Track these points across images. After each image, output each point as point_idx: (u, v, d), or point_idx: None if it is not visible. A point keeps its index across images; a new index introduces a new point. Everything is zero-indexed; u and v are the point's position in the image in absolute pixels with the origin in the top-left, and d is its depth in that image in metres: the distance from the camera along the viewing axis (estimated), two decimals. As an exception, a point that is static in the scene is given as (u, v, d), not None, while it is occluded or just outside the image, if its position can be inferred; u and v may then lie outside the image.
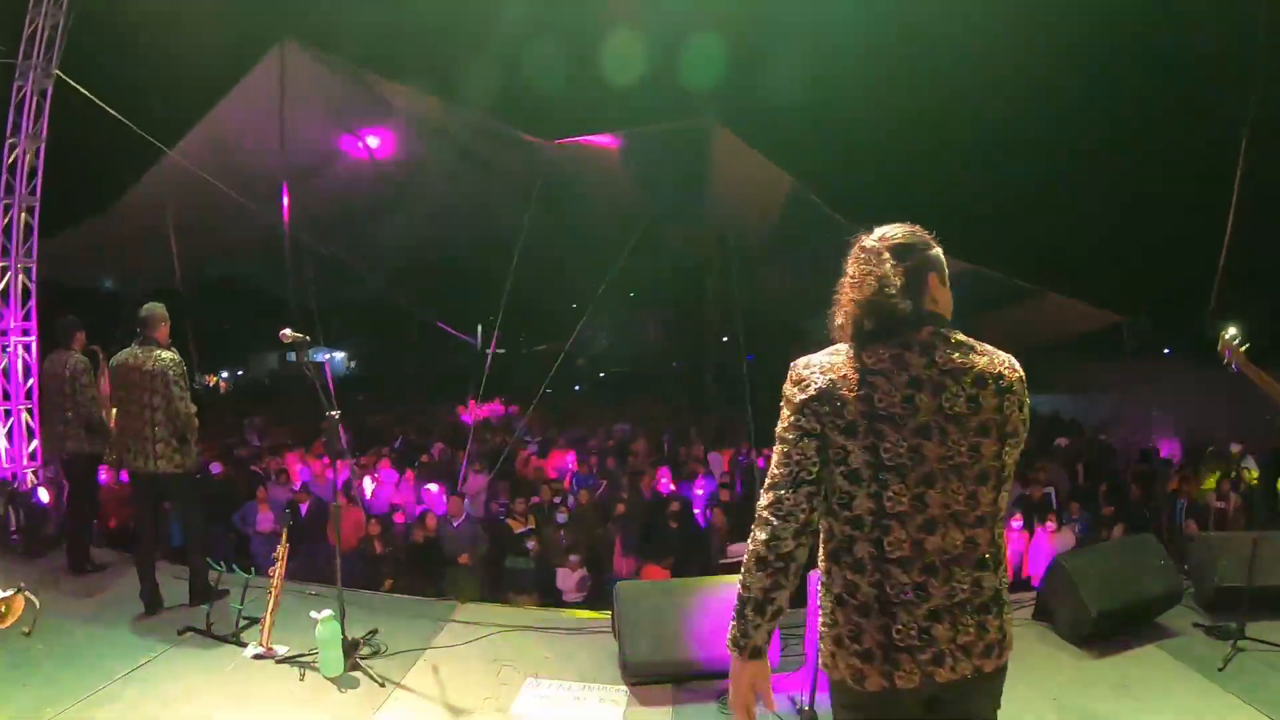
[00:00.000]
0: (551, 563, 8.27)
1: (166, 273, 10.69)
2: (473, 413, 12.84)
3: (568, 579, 8.11)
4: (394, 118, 9.83)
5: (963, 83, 11.64)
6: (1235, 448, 9.88)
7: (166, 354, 5.13)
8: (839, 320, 1.98)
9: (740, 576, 1.86)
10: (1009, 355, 1.94)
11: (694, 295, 17.90)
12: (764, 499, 1.83)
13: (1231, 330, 4.22)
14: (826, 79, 11.48)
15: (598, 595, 8.20)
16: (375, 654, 4.58)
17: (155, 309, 5.22)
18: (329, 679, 4.27)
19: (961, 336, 1.93)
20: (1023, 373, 1.92)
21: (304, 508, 8.47)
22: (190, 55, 8.32)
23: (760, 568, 1.80)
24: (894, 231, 2.02)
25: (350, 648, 4.39)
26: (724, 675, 3.90)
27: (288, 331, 4.23)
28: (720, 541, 8.90)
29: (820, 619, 1.95)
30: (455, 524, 8.30)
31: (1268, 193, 8.08)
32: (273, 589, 4.59)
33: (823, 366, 1.89)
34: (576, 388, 24.39)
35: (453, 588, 7.17)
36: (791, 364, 1.95)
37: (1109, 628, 4.71)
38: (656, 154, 10.44)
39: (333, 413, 4.37)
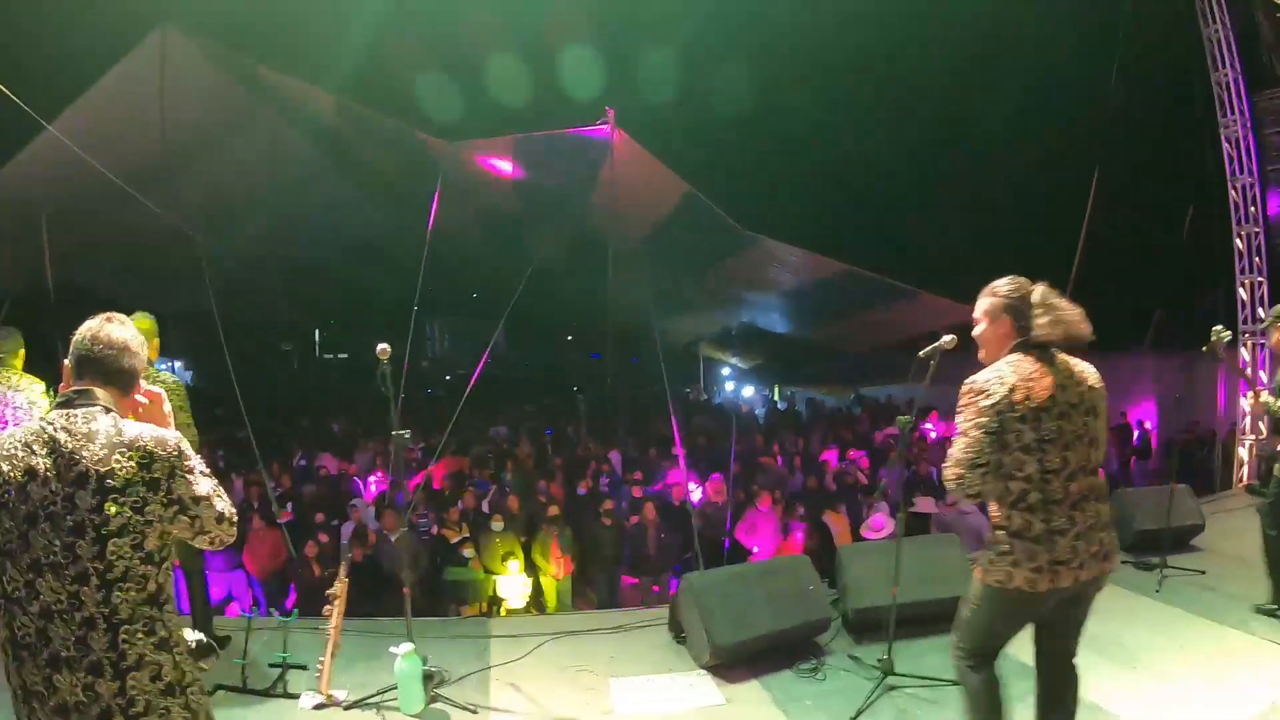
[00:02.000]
0: (492, 570, 8.31)
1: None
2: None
3: (510, 585, 8.23)
4: (272, 111, 9.35)
5: (843, 92, 12.73)
6: None
7: (26, 379, 4.90)
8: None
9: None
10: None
11: (548, 296, 18.04)
12: None
13: (1219, 327, 5.30)
14: (714, 82, 12.11)
15: (537, 600, 8.45)
16: (442, 683, 4.51)
17: (11, 333, 5.02)
18: (413, 716, 4.18)
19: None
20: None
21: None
22: (67, 33, 7.54)
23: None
24: None
25: (425, 680, 4.32)
26: (798, 640, 4.29)
27: (385, 347, 4.12)
28: (655, 535, 9.29)
29: (992, 550, 2.91)
30: (393, 538, 8.12)
31: (1117, 201, 9.46)
32: (331, 630, 4.40)
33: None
34: (429, 390, 23.76)
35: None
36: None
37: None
38: (551, 156, 10.60)
39: (402, 432, 4.28)
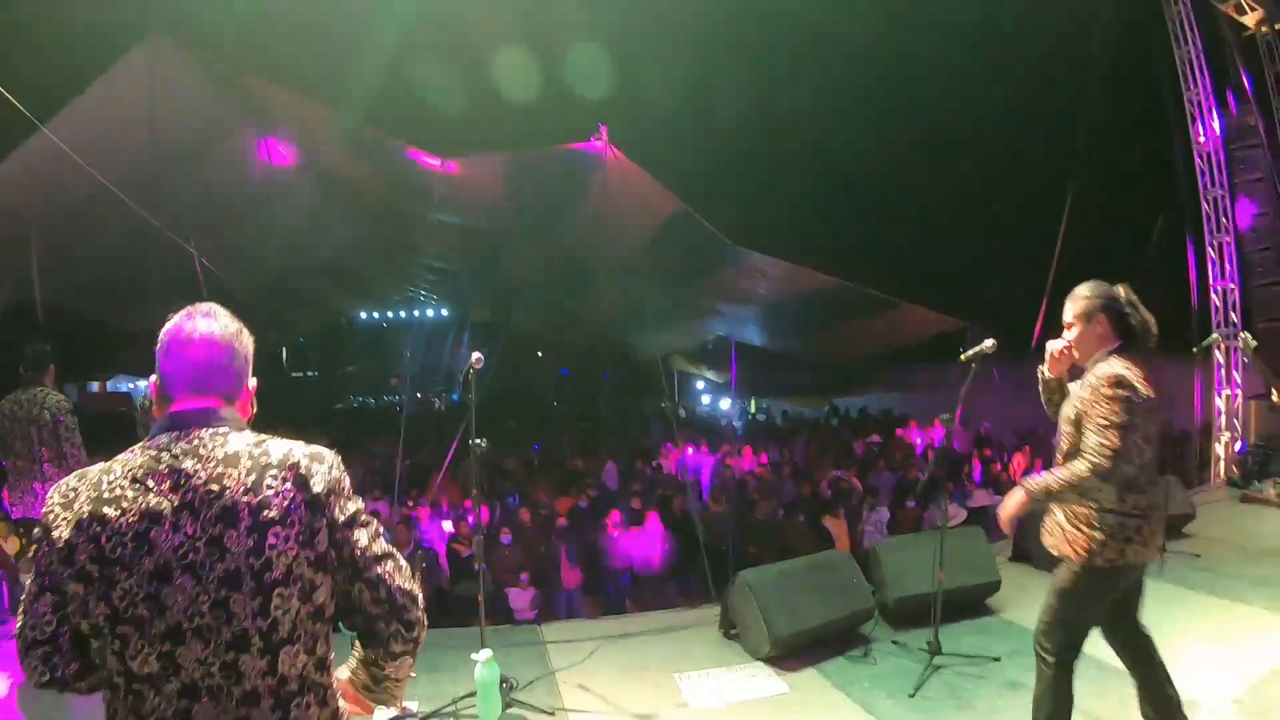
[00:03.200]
0: (502, 583, 8.62)
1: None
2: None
3: (520, 598, 8.56)
4: (265, 124, 9.56)
5: (832, 106, 13.38)
6: None
7: (56, 396, 5.18)
8: None
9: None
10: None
11: (523, 313, 18.42)
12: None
13: (1246, 335, 5.98)
14: (711, 97, 12.61)
15: (548, 610, 8.77)
16: (513, 689, 4.76)
17: (40, 350, 5.27)
18: None
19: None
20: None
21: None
22: (56, 41, 7.67)
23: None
24: None
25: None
26: (846, 629, 4.77)
27: (480, 356, 4.46)
28: (661, 544, 9.74)
29: (1102, 532, 3.15)
30: (406, 553, 8.44)
31: (1094, 216, 10.18)
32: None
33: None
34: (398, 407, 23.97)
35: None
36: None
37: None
38: (541, 174, 10.95)
39: (478, 441, 4.60)
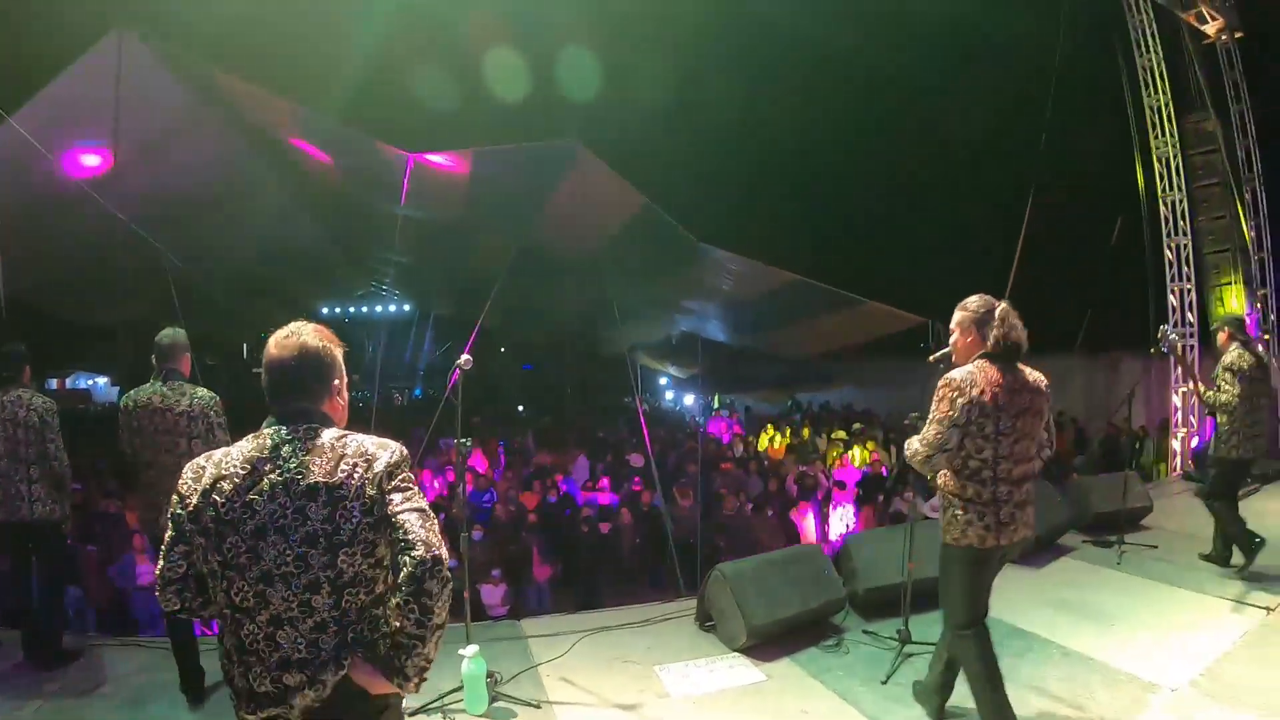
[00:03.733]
0: (474, 580, 8.72)
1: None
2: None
3: (493, 594, 8.66)
4: (225, 118, 9.49)
5: (793, 117, 13.63)
6: None
7: (203, 391, 4.83)
8: None
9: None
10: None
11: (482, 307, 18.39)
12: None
13: (1165, 327, 6.41)
14: (681, 97, 12.79)
15: (520, 605, 8.89)
16: (499, 682, 4.85)
17: (176, 336, 4.87)
18: (480, 717, 4.51)
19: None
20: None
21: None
22: (22, 33, 7.57)
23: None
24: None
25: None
26: (820, 619, 4.96)
27: (469, 358, 4.56)
28: (631, 539, 9.90)
29: (953, 514, 3.69)
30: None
31: (1053, 217, 10.52)
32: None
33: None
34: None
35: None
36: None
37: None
38: (509, 169, 10.98)
39: (464, 440, 4.71)
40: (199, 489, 2.05)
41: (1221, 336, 6.48)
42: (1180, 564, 6.59)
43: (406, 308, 25.19)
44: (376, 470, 2.06)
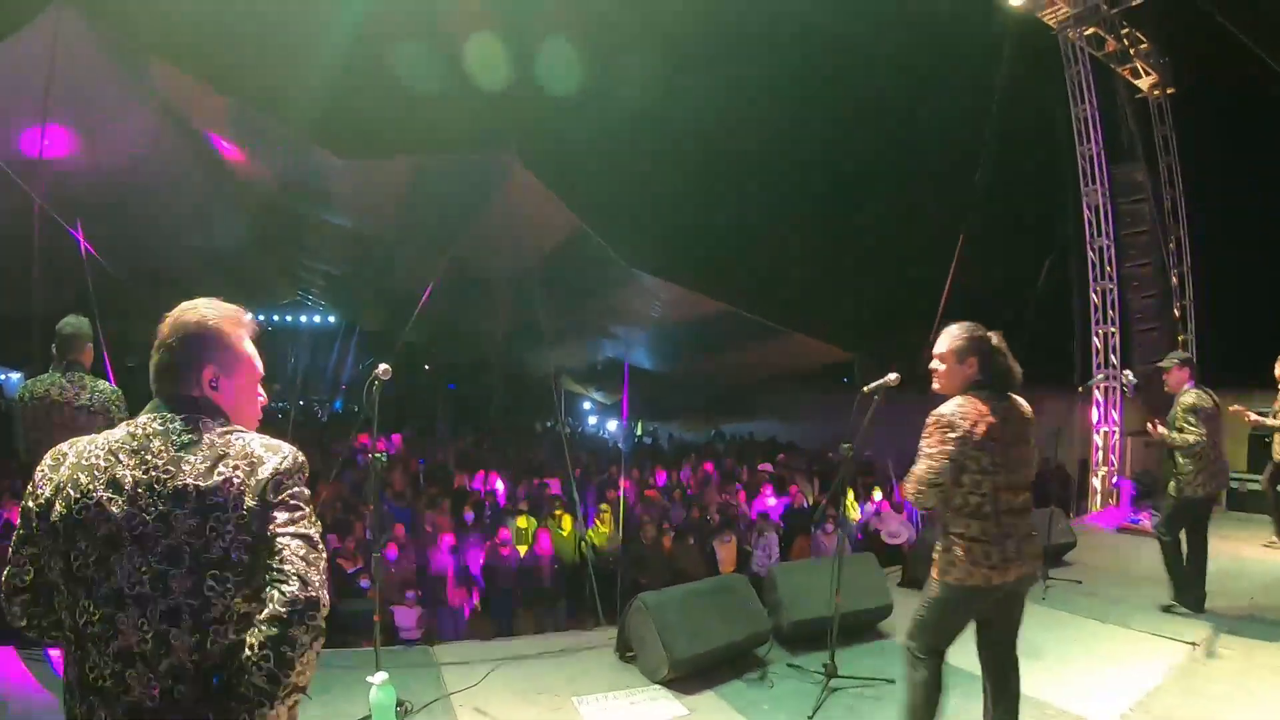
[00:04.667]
0: (388, 601, 8.48)
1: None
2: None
3: (407, 616, 8.45)
4: (156, 109, 9.21)
5: (728, 151, 13.85)
6: None
7: (105, 384, 4.62)
8: None
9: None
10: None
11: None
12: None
13: (1128, 373, 6.52)
14: (619, 123, 12.86)
15: (434, 629, 8.66)
16: (408, 712, 4.68)
17: (80, 325, 4.62)
18: None
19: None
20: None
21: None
22: None
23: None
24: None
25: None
26: (744, 651, 4.88)
27: (387, 368, 4.38)
28: (549, 565, 9.75)
29: (950, 554, 3.54)
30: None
31: (983, 258, 10.86)
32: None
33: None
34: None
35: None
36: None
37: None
38: (446, 181, 10.89)
39: (379, 455, 4.52)
40: (54, 479, 1.73)
41: (1179, 374, 6.49)
42: (1105, 598, 6.71)
43: (332, 319, 24.73)
44: (261, 477, 1.73)
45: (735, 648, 5.48)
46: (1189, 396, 6.30)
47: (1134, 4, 10.05)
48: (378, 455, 4.58)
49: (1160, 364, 6.74)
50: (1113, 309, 11.13)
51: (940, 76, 12.54)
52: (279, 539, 1.70)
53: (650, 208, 14.39)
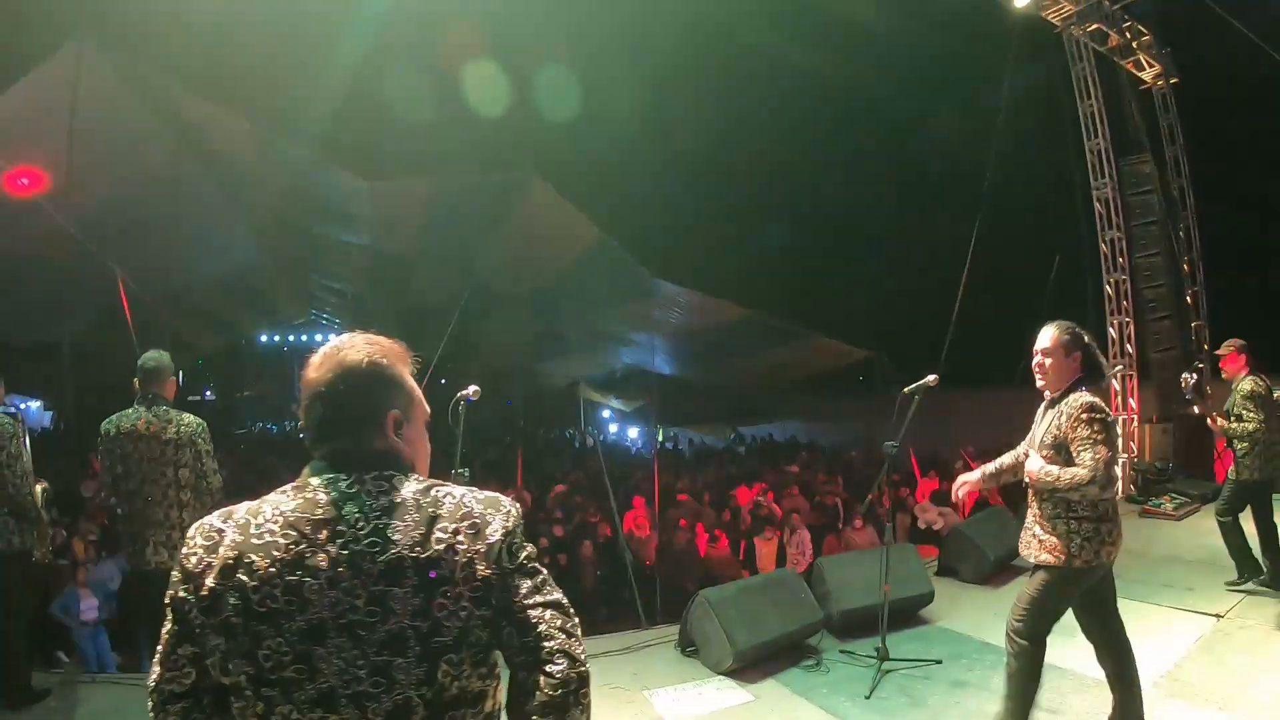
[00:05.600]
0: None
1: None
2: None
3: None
4: (175, 134, 9.60)
5: (748, 158, 14.32)
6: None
7: (189, 417, 4.72)
8: None
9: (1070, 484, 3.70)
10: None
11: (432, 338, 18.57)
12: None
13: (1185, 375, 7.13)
14: (640, 133, 13.32)
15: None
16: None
17: (162, 359, 4.73)
18: None
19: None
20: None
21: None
22: None
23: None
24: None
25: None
26: (799, 640, 5.29)
27: (477, 388, 4.62)
28: (593, 570, 10.18)
29: (1081, 539, 3.75)
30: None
31: (994, 259, 11.28)
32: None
33: None
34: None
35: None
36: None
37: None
38: (467, 200, 11.29)
39: (461, 470, 4.84)
40: (215, 564, 1.43)
41: (1235, 361, 6.70)
42: (1129, 578, 7.08)
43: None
44: (491, 541, 1.52)
45: (791, 637, 5.93)
46: (1247, 384, 6.54)
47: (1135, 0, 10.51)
48: (460, 471, 4.70)
49: (1217, 351, 7.01)
50: (1126, 299, 11.56)
51: (950, 79, 12.99)
52: (530, 612, 1.52)
53: (669, 217, 14.83)
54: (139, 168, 10.21)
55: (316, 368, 1.63)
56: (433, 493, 1.54)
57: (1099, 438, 3.66)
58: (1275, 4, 10.35)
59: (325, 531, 1.44)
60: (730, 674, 5.60)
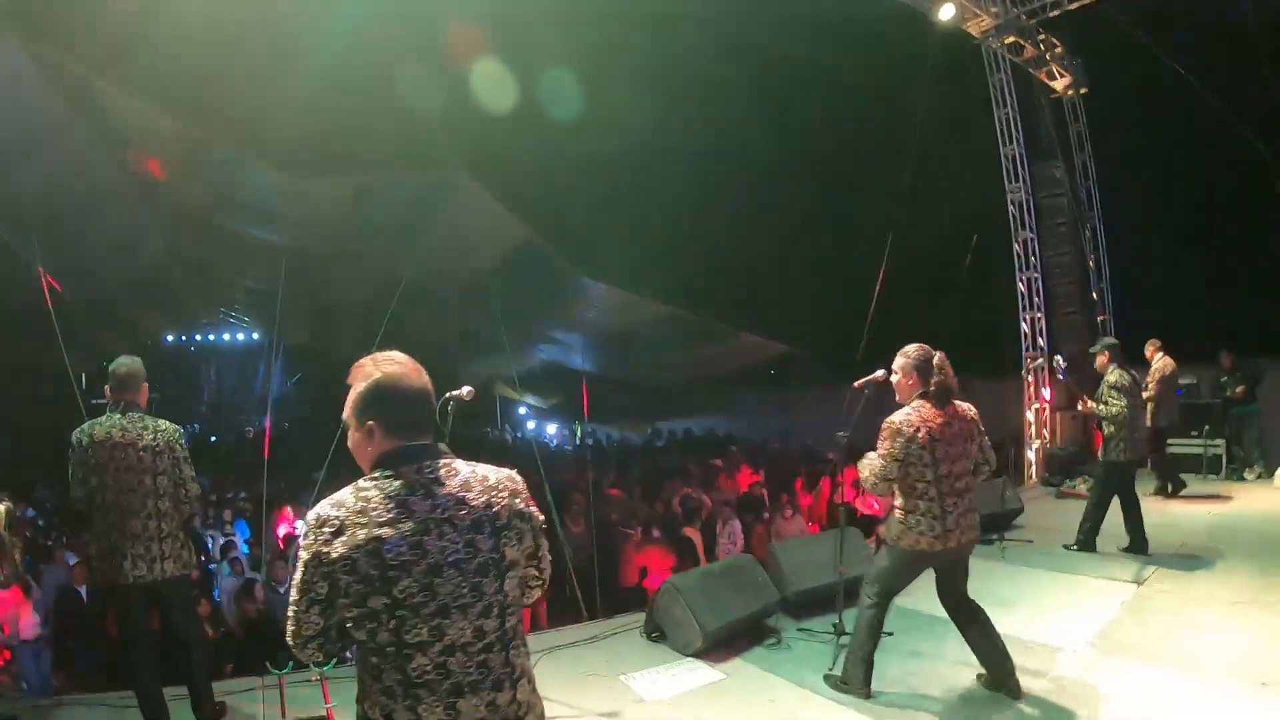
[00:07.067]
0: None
1: None
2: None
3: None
4: (90, 129, 9.41)
5: (672, 153, 14.72)
6: None
7: (165, 423, 4.69)
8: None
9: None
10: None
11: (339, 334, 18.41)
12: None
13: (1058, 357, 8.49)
14: (565, 130, 13.53)
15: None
16: None
17: (134, 365, 4.71)
18: None
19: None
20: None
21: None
22: None
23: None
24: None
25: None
26: (759, 621, 5.81)
27: (472, 389, 4.60)
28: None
29: (904, 525, 4.69)
30: (282, 590, 8.53)
31: (915, 256, 12.01)
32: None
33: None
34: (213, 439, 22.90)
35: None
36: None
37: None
38: (395, 197, 11.35)
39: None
40: (344, 544, 2.07)
41: (1102, 358, 7.89)
42: (1055, 554, 7.94)
43: (255, 335, 24.59)
44: (517, 499, 2.27)
45: (752, 618, 6.37)
46: (1112, 375, 7.71)
47: (1052, 15, 11.38)
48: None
49: (1091, 349, 8.16)
50: (1038, 296, 12.55)
51: (872, 89, 13.65)
52: (539, 540, 2.35)
53: (594, 215, 15.11)
54: (50, 163, 9.92)
55: (416, 373, 2.33)
56: (476, 468, 2.28)
57: (882, 450, 4.62)
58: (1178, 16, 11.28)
59: (426, 504, 2.13)
60: (699, 655, 5.97)
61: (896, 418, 4.59)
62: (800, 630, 6.39)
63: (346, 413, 2.31)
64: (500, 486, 2.25)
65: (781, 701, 5.18)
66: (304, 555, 2.11)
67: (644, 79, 14.25)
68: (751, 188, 15.95)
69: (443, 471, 2.21)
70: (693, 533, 11.53)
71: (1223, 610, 6.00)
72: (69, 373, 8.86)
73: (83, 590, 8.24)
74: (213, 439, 22.63)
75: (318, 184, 10.85)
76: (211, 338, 25.39)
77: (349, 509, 2.10)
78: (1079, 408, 8.20)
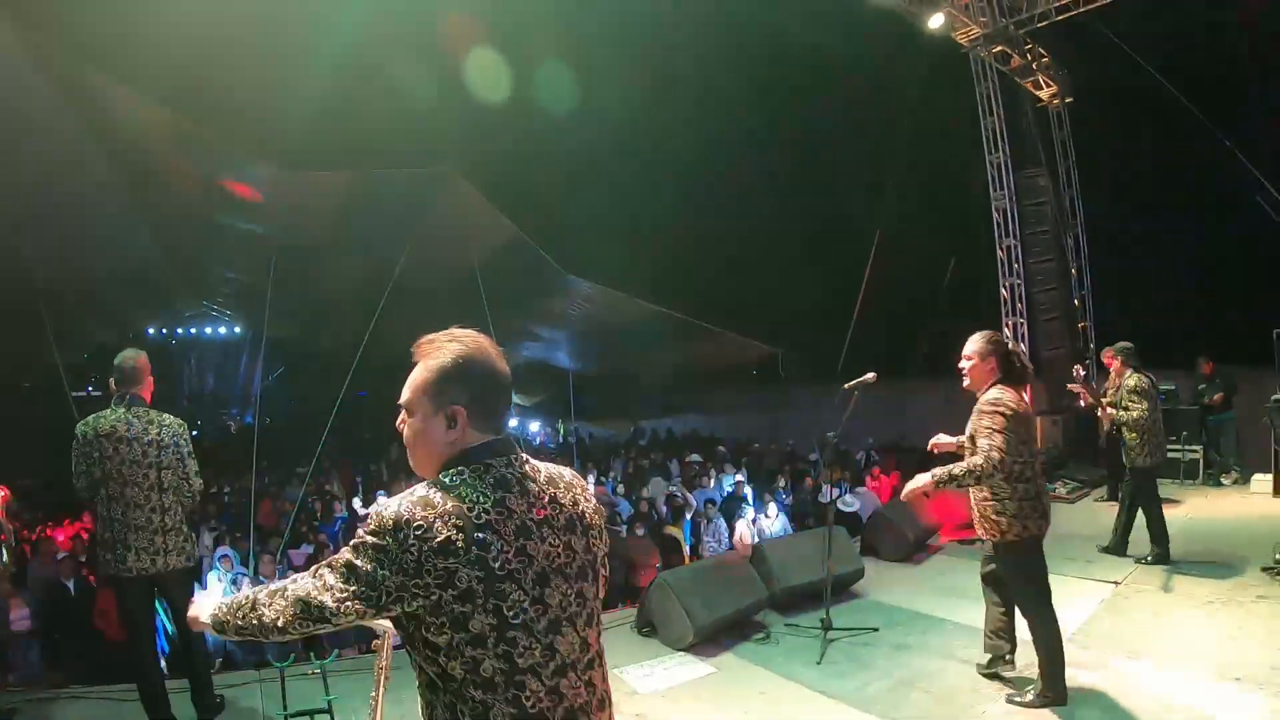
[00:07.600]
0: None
1: None
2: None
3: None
4: (81, 120, 9.41)
5: (661, 153, 14.88)
6: None
7: (170, 417, 4.79)
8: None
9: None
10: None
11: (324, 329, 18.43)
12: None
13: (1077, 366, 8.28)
14: (554, 128, 13.66)
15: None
16: None
17: (139, 359, 4.78)
18: None
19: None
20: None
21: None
22: None
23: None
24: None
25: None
26: (748, 616, 6.00)
27: None
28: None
29: (1008, 518, 4.59)
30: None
31: (899, 261, 12.25)
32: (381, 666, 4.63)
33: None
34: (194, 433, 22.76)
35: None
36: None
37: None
38: (384, 193, 11.44)
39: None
40: (437, 551, 1.74)
41: (1117, 363, 7.87)
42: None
43: (237, 329, 24.52)
44: (590, 497, 2.06)
45: (741, 614, 6.55)
46: (1131, 380, 7.62)
47: (1039, 25, 11.64)
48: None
49: (1103, 352, 8.25)
50: (1020, 302, 12.81)
51: (861, 95, 13.89)
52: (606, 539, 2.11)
53: (582, 213, 15.26)
54: (39, 153, 9.91)
55: (498, 358, 1.97)
56: (549, 466, 2.03)
57: (996, 426, 4.42)
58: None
59: (522, 504, 1.85)
60: (689, 650, 6.15)
61: (1004, 398, 4.48)
62: (788, 625, 6.57)
63: (412, 395, 1.94)
64: (576, 484, 2.03)
65: (771, 694, 5.35)
66: (369, 567, 1.76)
67: (631, 79, 14.40)
68: (738, 188, 16.15)
69: (528, 467, 1.95)
70: (676, 530, 11.74)
71: (1198, 608, 6.23)
72: (57, 364, 8.88)
73: (70, 584, 8.30)
74: (194, 433, 22.52)
75: (308, 177, 10.87)
76: (193, 331, 25.18)
77: (440, 510, 1.77)
78: (1099, 414, 8.12)
